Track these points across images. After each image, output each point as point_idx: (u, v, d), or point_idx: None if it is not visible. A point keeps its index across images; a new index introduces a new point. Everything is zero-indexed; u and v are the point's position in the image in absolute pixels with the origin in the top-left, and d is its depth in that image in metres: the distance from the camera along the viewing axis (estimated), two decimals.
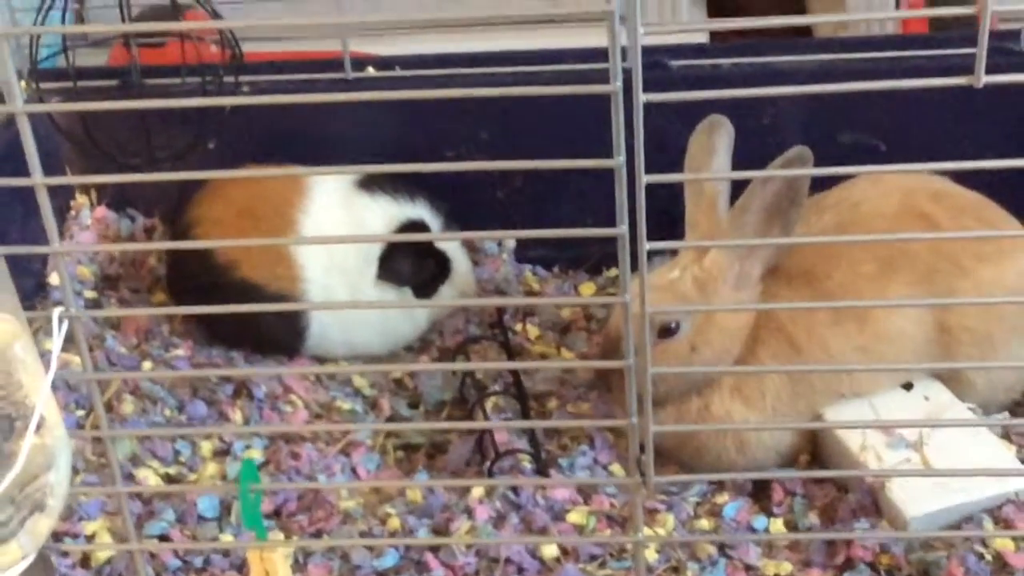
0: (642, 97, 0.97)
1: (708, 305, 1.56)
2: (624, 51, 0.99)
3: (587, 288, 2.00)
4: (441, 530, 1.55)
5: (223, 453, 1.69)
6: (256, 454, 1.68)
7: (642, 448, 1.19)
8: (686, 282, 1.57)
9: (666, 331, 1.57)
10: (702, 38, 2.28)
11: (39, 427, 1.00)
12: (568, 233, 1.08)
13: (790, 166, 1.50)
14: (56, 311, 1.05)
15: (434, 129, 1.96)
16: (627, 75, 0.99)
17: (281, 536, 1.54)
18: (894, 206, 1.64)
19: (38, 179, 1.02)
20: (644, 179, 1.00)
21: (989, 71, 1.04)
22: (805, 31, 2.40)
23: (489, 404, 1.73)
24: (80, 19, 2.21)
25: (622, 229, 1.03)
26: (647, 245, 1.06)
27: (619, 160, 0.99)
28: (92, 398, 1.24)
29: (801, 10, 2.49)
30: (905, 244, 1.60)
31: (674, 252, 1.62)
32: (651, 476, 1.20)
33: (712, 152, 1.60)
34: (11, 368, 0.99)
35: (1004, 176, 1.61)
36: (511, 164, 1.05)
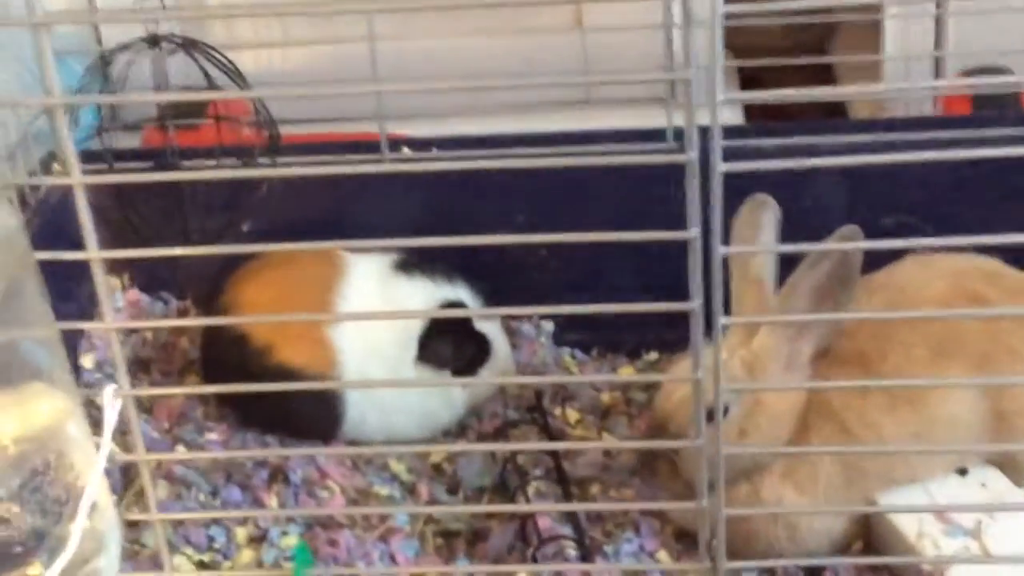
0: (721, 167, 0.95)
1: (764, 384, 1.53)
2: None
3: (626, 371, 1.97)
4: None
5: (259, 539, 1.66)
6: (293, 541, 1.64)
7: (712, 532, 1.16)
8: (734, 364, 1.54)
9: (713, 415, 1.54)
10: (738, 119, 2.27)
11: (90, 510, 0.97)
12: (635, 308, 1.06)
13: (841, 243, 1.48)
14: (109, 388, 1.03)
15: (471, 210, 1.94)
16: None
17: None
18: (945, 288, 1.61)
19: (93, 253, 1.00)
20: (721, 251, 0.98)
21: None
22: (839, 113, 2.39)
23: (531, 489, 1.69)
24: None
25: (694, 304, 1.01)
26: (723, 320, 1.03)
27: (694, 232, 0.96)
28: (141, 476, 1.20)
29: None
30: (958, 329, 1.57)
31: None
32: (723, 562, 1.15)
33: (758, 229, 1.58)
34: (64, 448, 0.97)
35: None
36: (575, 237, 1.03)
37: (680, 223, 1.02)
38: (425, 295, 1.83)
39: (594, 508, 1.68)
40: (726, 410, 1.53)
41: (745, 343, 1.56)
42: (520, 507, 1.66)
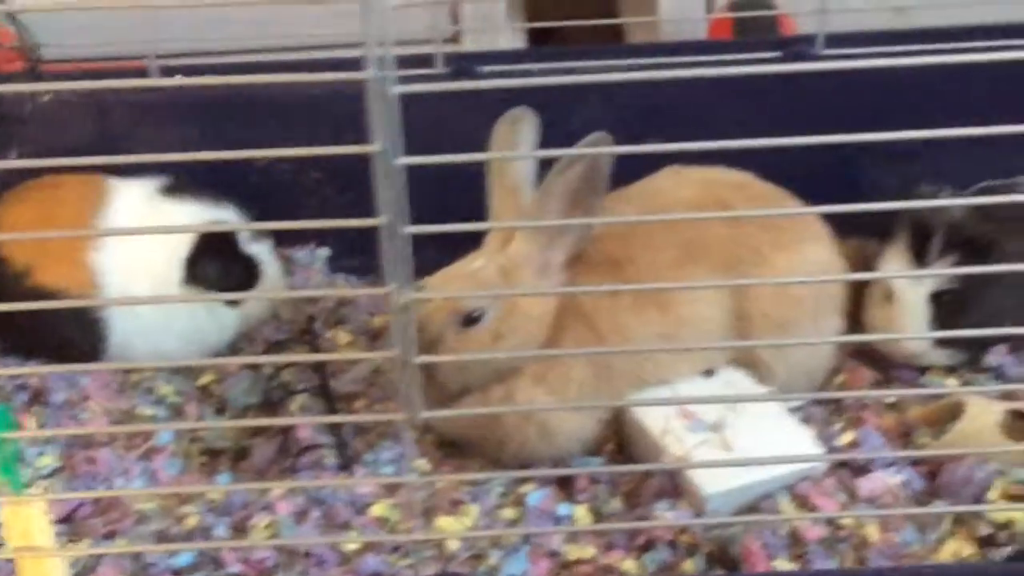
0: (396, 90, 0.97)
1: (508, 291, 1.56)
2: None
3: None
4: (240, 527, 1.51)
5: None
6: (50, 460, 1.62)
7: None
8: (489, 271, 1.57)
9: (470, 320, 1.56)
10: (520, 43, 2.31)
11: None
12: (330, 224, 1.06)
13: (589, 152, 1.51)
14: None
15: (243, 137, 1.93)
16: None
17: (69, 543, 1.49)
18: (694, 194, 1.66)
19: None
20: (400, 161, 1.00)
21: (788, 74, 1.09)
22: (619, 37, 2.44)
23: (295, 404, 1.70)
24: None
25: (384, 219, 1.02)
26: (408, 229, 1.04)
27: (378, 146, 0.98)
28: None
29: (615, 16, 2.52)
30: (705, 232, 1.62)
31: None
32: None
33: (515, 146, 1.61)
34: None
35: (799, 182, 1.67)
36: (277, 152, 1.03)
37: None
38: (192, 217, 1.81)
39: (351, 420, 1.68)
40: (481, 315, 1.56)
41: (501, 250, 1.59)
42: (281, 420, 1.66)
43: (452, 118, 1.73)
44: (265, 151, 1.06)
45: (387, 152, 1.00)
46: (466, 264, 1.59)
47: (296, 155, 1.05)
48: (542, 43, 2.50)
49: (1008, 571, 1.28)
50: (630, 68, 1.96)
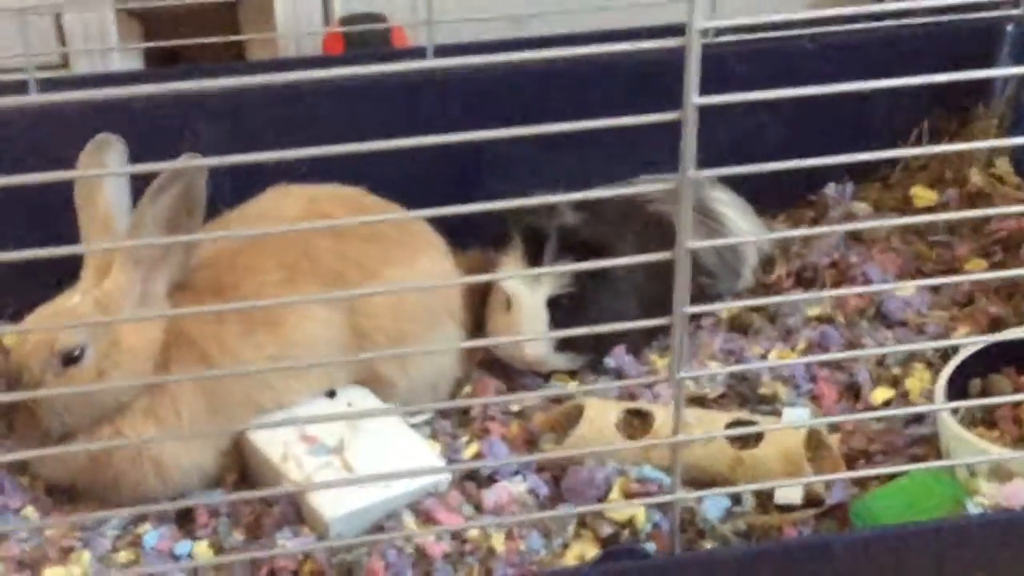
0: None
1: (111, 329, 1.49)
2: None
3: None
4: None
5: None
6: None
7: None
8: (87, 306, 1.50)
9: (70, 359, 1.48)
10: (138, 64, 2.23)
11: None
12: None
13: (180, 176, 1.46)
14: None
15: None
16: None
17: None
18: (299, 213, 1.63)
19: None
20: None
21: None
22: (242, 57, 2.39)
23: None
24: None
25: None
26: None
27: None
28: None
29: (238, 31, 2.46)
30: (311, 251, 1.59)
31: None
32: None
33: (103, 168, 1.54)
34: None
35: (420, 189, 1.65)
36: None
37: None
38: None
39: None
40: (82, 353, 1.48)
41: (98, 284, 1.51)
42: None
43: (50, 147, 1.65)
44: None
45: None
46: (63, 301, 1.52)
47: None
48: (169, 64, 2.42)
49: (597, 572, 1.29)
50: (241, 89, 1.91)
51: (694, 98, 0.91)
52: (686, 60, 0.91)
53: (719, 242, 1.68)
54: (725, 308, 1.83)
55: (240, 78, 1.05)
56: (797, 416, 1.58)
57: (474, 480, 1.55)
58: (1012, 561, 1.24)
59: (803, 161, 1.07)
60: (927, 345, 1.72)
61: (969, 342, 1.59)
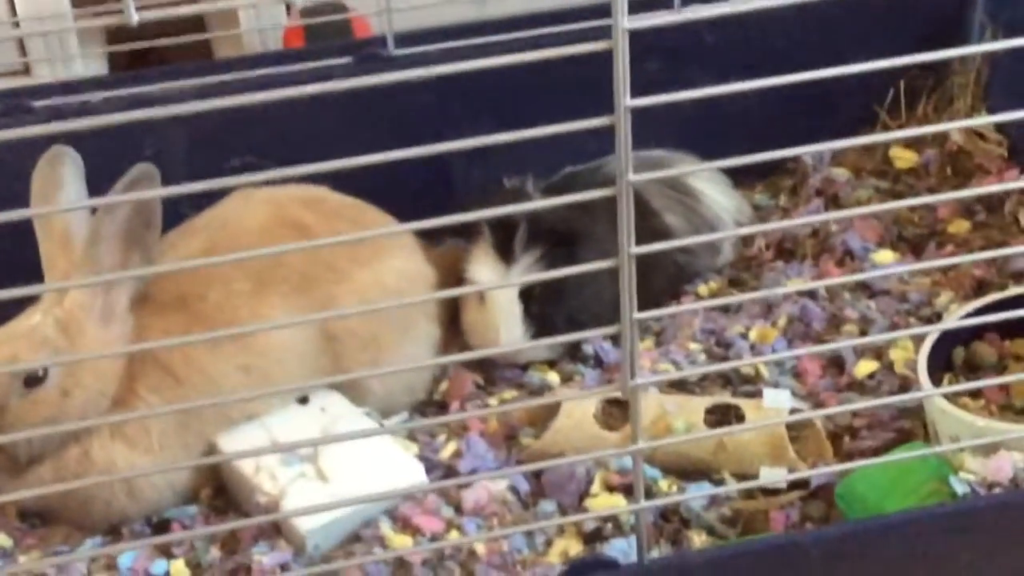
0: None
1: (74, 347, 1.45)
2: None
3: None
4: None
5: None
6: None
7: None
8: (48, 326, 1.46)
9: (32, 381, 1.45)
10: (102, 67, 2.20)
11: None
12: None
13: (136, 187, 1.42)
14: None
15: None
16: None
17: None
18: (264, 218, 1.59)
19: None
20: None
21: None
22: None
23: None
24: None
25: None
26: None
27: None
28: None
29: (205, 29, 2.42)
30: (279, 256, 1.54)
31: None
32: None
33: (59, 186, 1.51)
34: None
35: (383, 178, 1.62)
36: None
37: None
38: None
39: None
40: (45, 374, 1.45)
41: (59, 303, 1.48)
42: None
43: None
44: None
45: None
46: (22, 321, 1.48)
47: None
48: (139, 67, 2.38)
49: None
50: (217, 86, 1.87)
51: (626, 101, 0.87)
52: (614, 63, 0.86)
53: (660, 246, 1.56)
54: (675, 312, 1.71)
55: (211, 100, 0.99)
56: (779, 399, 1.54)
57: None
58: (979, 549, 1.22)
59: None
60: (913, 332, 1.68)
61: (952, 325, 1.53)
